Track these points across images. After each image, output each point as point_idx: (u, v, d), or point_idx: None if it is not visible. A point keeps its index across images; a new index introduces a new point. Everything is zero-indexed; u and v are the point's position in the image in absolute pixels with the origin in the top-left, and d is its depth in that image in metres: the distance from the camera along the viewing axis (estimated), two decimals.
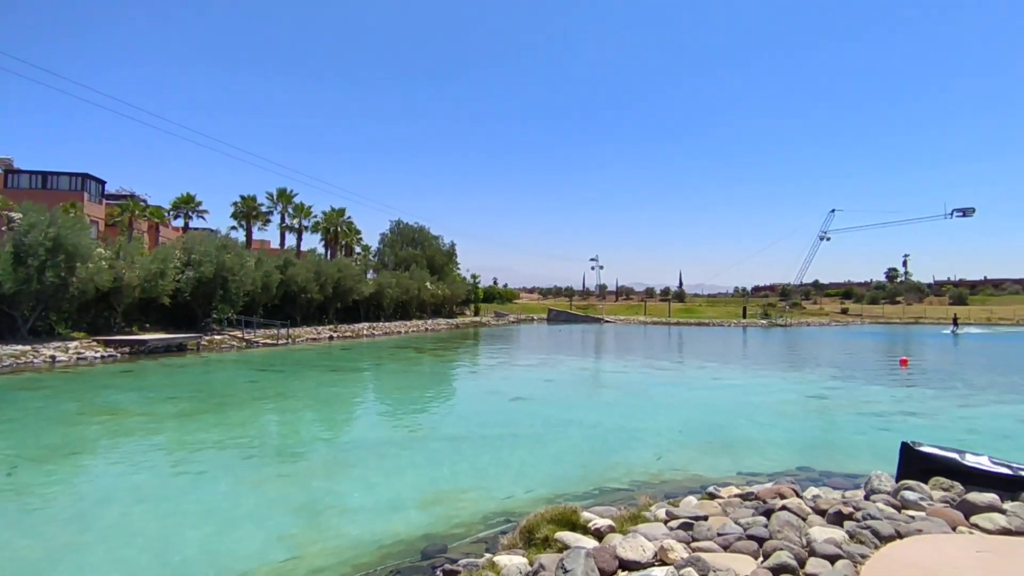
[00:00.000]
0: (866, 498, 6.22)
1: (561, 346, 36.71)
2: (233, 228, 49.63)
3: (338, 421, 14.00)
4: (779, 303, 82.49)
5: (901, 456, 7.42)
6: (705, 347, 37.15)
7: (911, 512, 5.56)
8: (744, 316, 70.86)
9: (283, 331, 32.93)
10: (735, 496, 6.32)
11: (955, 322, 57.16)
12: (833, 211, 71.29)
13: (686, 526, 5.15)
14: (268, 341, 31.26)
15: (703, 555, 4.34)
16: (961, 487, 6.48)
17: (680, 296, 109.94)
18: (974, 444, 10.87)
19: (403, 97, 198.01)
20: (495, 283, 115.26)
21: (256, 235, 52.00)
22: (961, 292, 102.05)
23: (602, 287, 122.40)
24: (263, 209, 51.18)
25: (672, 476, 8.98)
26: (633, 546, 4.49)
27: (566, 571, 3.87)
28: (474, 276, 74.78)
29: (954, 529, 5.07)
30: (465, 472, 9.44)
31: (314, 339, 34.87)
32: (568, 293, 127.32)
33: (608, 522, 5.46)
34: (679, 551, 4.43)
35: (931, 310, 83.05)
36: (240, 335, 31.06)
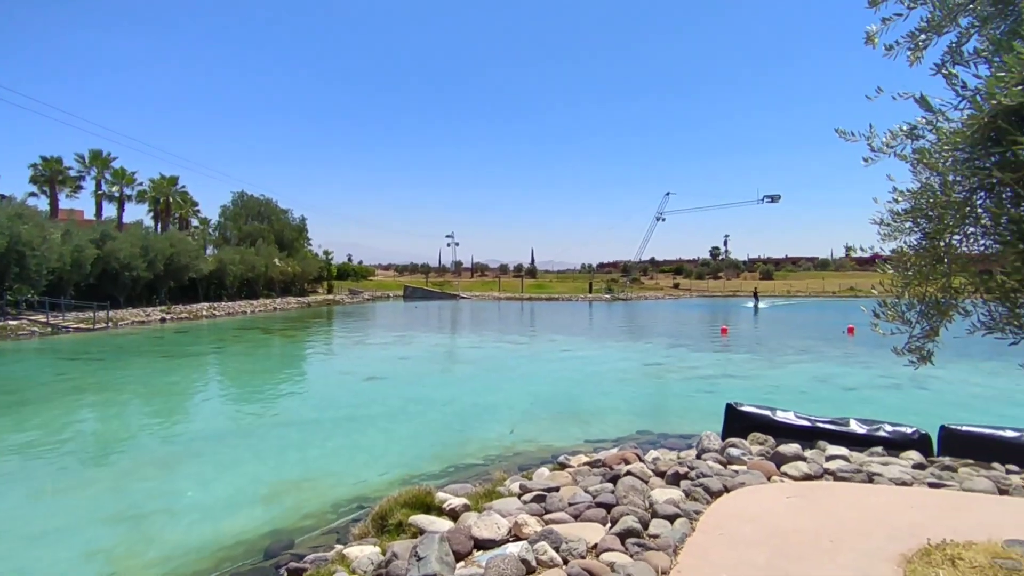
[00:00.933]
0: (698, 457, 6.77)
1: (417, 323, 36.31)
2: (32, 195, 42.60)
3: (169, 413, 12.58)
4: (621, 279, 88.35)
5: (726, 416, 8.19)
6: (555, 321, 38.77)
7: (735, 467, 6.12)
8: (590, 291, 75.01)
9: (100, 314, 28.93)
10: (584, 464, 6.57)
11: (756, 296, 59.30)
12: (668, 194, 77.24)
13: (539, 498, 5.23)
14: (81, 326, 27.33)
15: (556, 527, 4.41)
16: (773, 440, 7.29)
17: (532, 272, 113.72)
18: (780, 400, 12.37)
19: (243, 57, 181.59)
20: (350, 260, 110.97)
21: (65, 204, 45.09)
22: (768, 268, 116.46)
23: (458, 264, 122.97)
24: (72, 174, 44.40)
25: (526, 448, 9.18)
26: (488, 524, 4.45)
27: (419, 558, 3.72)
28: (326, 252, 71.24)
29: (769, 479, 5.65)
30: (315, 459, 8.94)
31: (142, 322, 31.13)
32: (424, 270, 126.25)
33: (463, 501, 5.39)
34: (533, 525, 4.47)
35: (746, 284, 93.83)
36: (44, 319, 26.84)
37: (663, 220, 77.97)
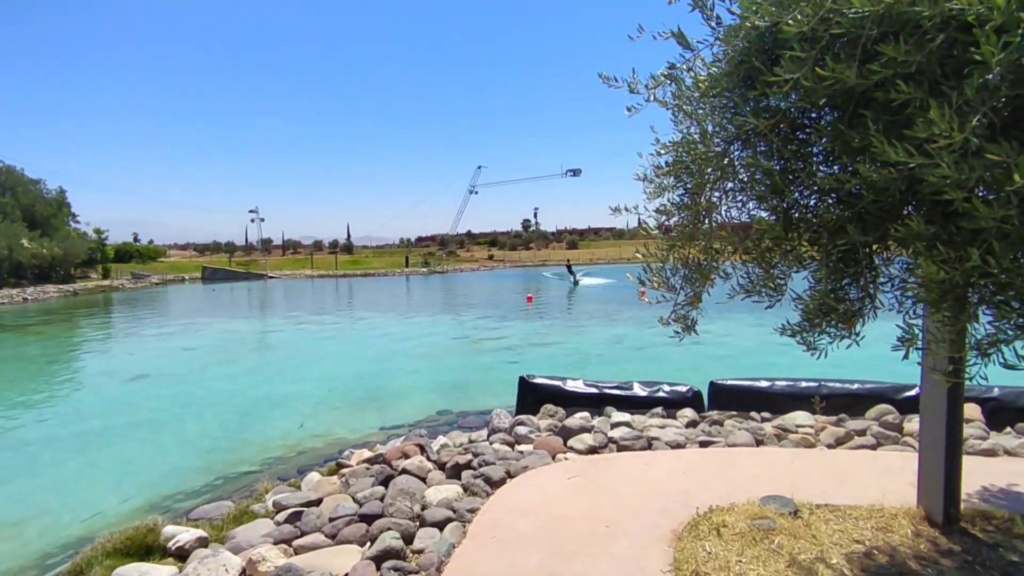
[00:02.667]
0: (488, 437, 6.32)
1: (213, 308, 32.31)
2: None
3: None
4: (438, 252, 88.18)
5: (519, 389, 7.89)
6: (369, 297, 37.13)
7: (522, 447, 5.72)
8: (407, 265, 73.71)
9: None
10: (363, 462, 5.75)
11: (569, 269, 45.61)
12: (480, 167, 78.29)
13: (295, 516, 4.31)
14: None
15: (303, 557, 3.55)
16: (563, 412, 7.10)
17: (348, 248, 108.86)
18: (581, 363, 12.71)
19: None
20: (135, 239, 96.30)
21: None
22: (574, 239, 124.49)
23: (267, 242, 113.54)
24: None
25: (312, 445, 8.11)
26: (212, 569, 3.44)
27: None
28: (98, 231, 60.82)
29: (554, 457, 5.32)
30: (35, 490, 7.02)
31: None
32: (229, 249, 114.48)
33: (200, 534, 4.27)
34: (273, 559, 3.55)
35: (554, 254, 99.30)
36: None
37: (476, 193, 78.92)
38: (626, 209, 3.24)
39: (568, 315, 22.43)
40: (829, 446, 5.30)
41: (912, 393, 6.32)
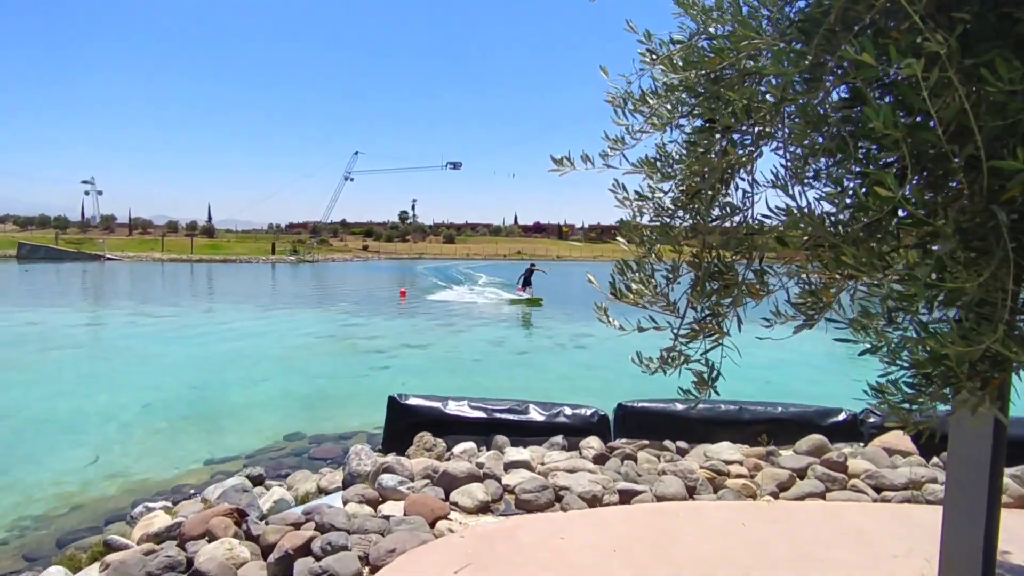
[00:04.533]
0: (344, 488, 4.63)
1: (23, 293, 26.71)
2: None
3: None
4: (309, 239, 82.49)
5: (388, 411, 6.23)
6: (225, 286, 32.99)
7: (389, 507, 4.11)
8: (273, 252, 67.90)
9: None
10: (148, 539, 3.82)
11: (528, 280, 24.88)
12: (357, 153, 74.09)
13: None
14: None
15: None
16: (443, 444, 5.57)
17: (209, 231, 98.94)
18: (455, 370, 11.20)
19: None
20: None
21: None
22: (451, 233, 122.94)
23: (108, 218, 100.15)
24: None
25: (98, 492, 5.86)
26: None
27: None
28: None
29: (434, 525, 3.78)
30: None
31: None
32: (60, 224, 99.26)
33: None
34: None
35: (431, 247, 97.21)
36: None
37: (351, 180, 74.71)
38: (586, 160, 1.77)
39: (444, 313, 20.86)
40: (772, 494, 4.25)
41: (840, 419, 5.54)
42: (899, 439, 5.11)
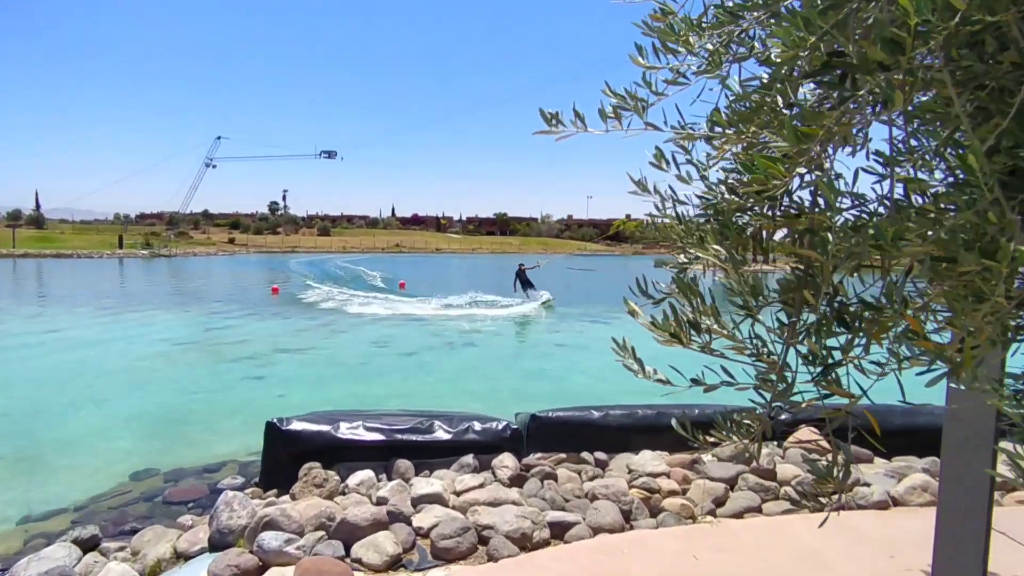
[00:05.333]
0: (214, 547, 3.65)
1: None
2: None
3: None
4: (165, 232, 74.18)
5: (266, 440, 5.21)
6: (58, 286, 28.37)
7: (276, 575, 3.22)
8: (121, 246, 60.11)
9: None
10: None
11: (523, 279, 22.50)
12: (219, 138, 67.58)
13: None
14: None
15: None
16: (336, 478, 4.69)
17: (38, 221, 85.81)
18: (340, 377, 10.09)
19: None
20: None
21: None
22: (326, 225, 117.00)
23: None
24: None
25: None
26: None
27: None
28: None
29: None
30: None
31: None
32: None
33: None
34: None
35: (304, 240, 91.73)
36: None
37: (213, 167, 68.28)
38: (578, 118, 1.12)
39: (318, 310, 19.31)
40: (711, 512, 3.91)
41: None
42: (809, 435, 5.06)
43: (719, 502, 3.99)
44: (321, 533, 3.61)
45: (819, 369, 1.00)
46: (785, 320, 1.08)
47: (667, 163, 1.15)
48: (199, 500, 5.20)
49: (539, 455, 5.27)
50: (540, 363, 11.73)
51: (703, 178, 1.19)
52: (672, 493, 4.12)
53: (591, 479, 4.66)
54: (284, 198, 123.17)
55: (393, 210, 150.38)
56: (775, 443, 5.16)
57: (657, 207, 1.24)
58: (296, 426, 5.12)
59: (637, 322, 1.13)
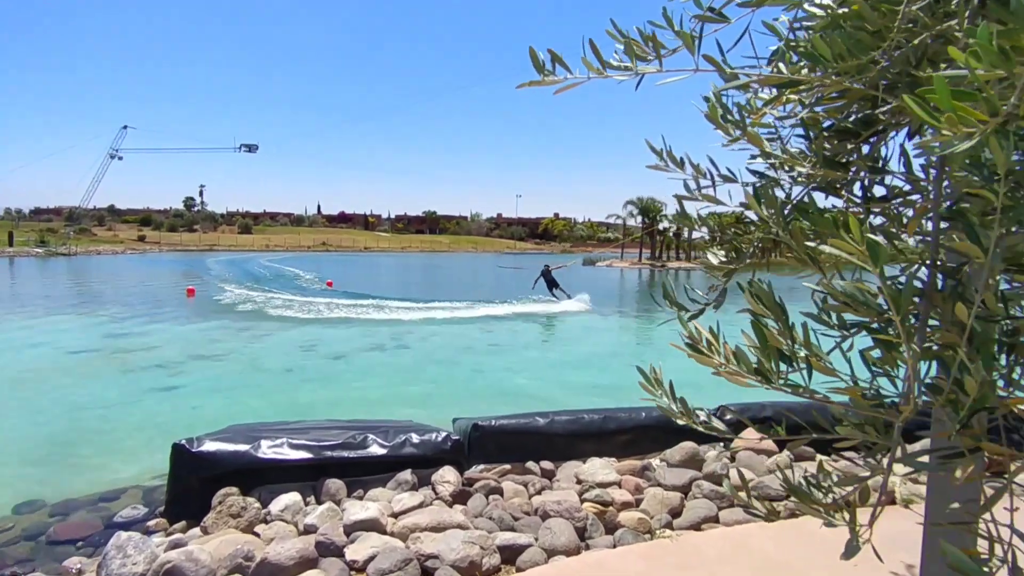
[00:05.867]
0: None
1: None
2: None
3: None
4: (63, 228, 67.94)
5: (174, 464, 4.56)
6: None
7: None
8: (11, 244, 54.50)
9: None
10: None
11: (549, 279, 21.16)
12: (125, 127, 62.49)
13: None
14: None
15: None
16: (257, 506, 4.14)
17: None
18: (264, 386, 9.28)
19: None
20: None
21: None
22: (247, 223, 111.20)
23: None
24: None
25: None
26: None
27: None
28: None
29: None
30: None
31: None
32: None
33: None
34: None
35: (223, 238, 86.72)
36: None
37: (119, 158, 63.24)
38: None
39: (235, 313, 18.07)
40: (667, 524, 3.68)
41: (701, 418, 5.26)
42: (754, 434, 4.97)
43: (675, 512, 3.78)
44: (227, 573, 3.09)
45: (966, 413, 0.70)
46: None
47: (727, 117, 0.82)
48: (90, 538, 4.46)
49: (482, 467, 4.93)
50: (476, 365, 11.36)
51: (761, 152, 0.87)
52: (627, 505, 3.88)
53: (539, 492, 4.35)
54: (201, 193, 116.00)
55: (319, 207, 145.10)
56: (721, 444, 5.04)
57: (687, 187, 0.93)
58: (209, 447, 4.51)
59: (694, 355, 0.80)
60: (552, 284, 20.75)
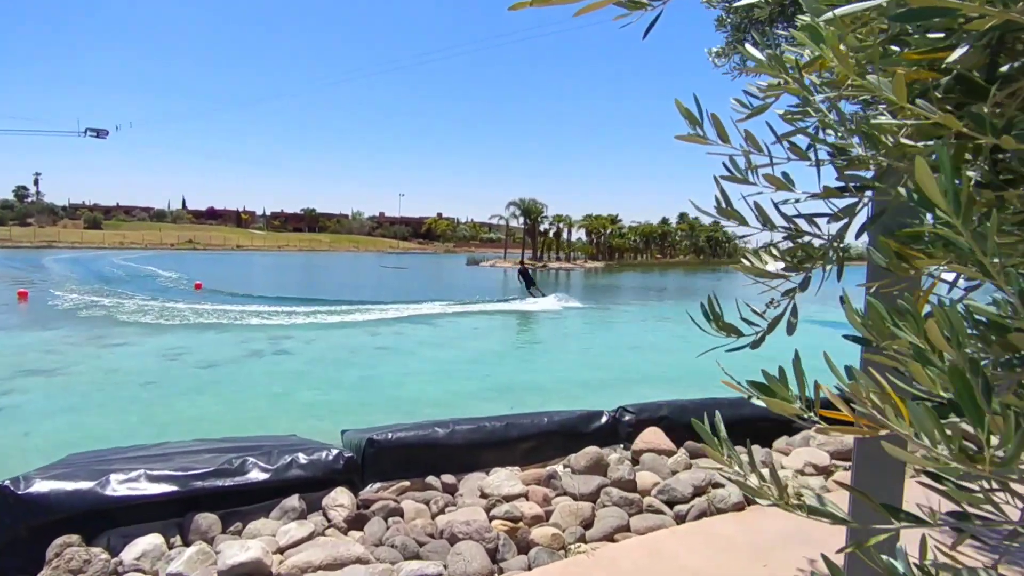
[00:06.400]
0: None
1: None
2: None
3: None
4: None
5: None
6: None
7: None
8: None
9: None
10: None
11: (526, 276, 22.59)
12: None
13: None
14: None
15: None
16: (106, 557, 3.43)
17: None
18: (119, 405, 8.05)
19: None
20: None
21: None
22: (96, 217, 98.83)
23: None
24: None
25: None
26: None
27: None
28: None
29: None
30: None
31: None
32: None
33: None
34: None
35: (65, 233, 76.51)
36: None
37: None
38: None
39: (88, 319, 15.83)
40: (580, 538, 3.54)
41: (603, 422, 5.22)
42: (654, 435, 5.02)
43: (587, 524, 3.65)
44: None
45: None
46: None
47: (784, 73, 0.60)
48: None
49: (379, 486, 4.52)
50: (364, 370, 10.74)
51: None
52: (537, 519, 3.69)
53: (442, 510, 4.04)
54: (36, 183, 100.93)
55: (184, 202, 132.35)
56: (622, 446, 5.04)
57: (731, 168, 0.70)
58: (40, 487, 3.69)
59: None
60: (530, 283, 20.83)
